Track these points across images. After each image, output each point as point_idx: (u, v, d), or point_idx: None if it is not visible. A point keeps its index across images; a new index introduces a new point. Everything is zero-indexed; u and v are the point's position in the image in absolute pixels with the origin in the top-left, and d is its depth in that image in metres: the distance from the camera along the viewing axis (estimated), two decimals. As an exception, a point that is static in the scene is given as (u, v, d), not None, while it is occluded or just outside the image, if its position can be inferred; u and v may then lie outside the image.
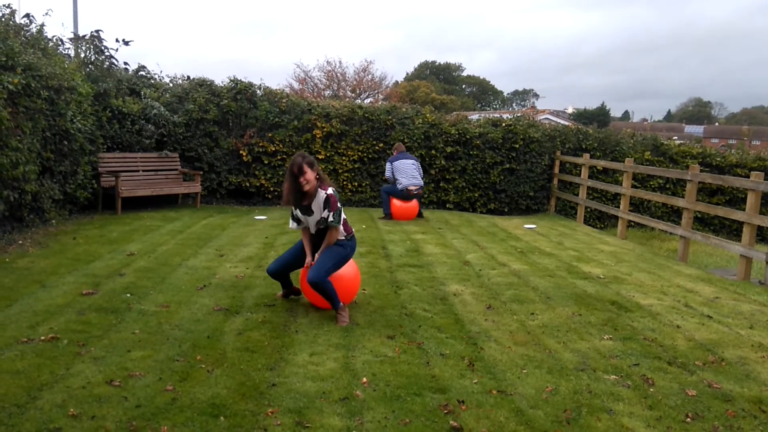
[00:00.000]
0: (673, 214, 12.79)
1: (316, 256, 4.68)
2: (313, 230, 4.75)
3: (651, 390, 3.62)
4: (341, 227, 4.70)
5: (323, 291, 4.50)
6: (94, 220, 8.66)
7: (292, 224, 4.89)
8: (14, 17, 8.22)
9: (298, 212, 4.73)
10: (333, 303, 4.57)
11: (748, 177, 7.81)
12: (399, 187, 9.88)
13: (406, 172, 9.86)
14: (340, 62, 34.82)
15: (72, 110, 8.34)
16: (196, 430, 2.87)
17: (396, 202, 9.94)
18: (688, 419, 3.26)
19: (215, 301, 4.94)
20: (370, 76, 33.76)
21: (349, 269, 4.85)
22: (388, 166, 10.04)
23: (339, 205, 4.64)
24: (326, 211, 4.57)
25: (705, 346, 4.44)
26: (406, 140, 11.98)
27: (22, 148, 6.80)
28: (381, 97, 33.68)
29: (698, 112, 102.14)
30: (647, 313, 5.24)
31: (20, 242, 6.75)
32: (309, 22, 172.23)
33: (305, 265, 4.76)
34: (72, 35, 10.99)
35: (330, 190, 4.59)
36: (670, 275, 6.92)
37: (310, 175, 4.51)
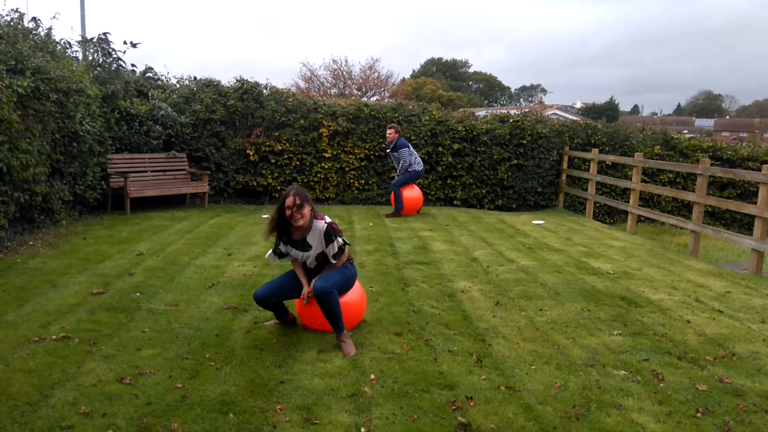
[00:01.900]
0: (684, 209, 12.70)
1: (313, 282, 4.11)
2: (311, 264, 4.19)
3: (661, 385, 3.60)
4: (343, 257, 4.21)
5: (328, 305, 3.95)
6: (103, 221, 8.73)
7: (271, 256, 4.29)
8: (23, 21, 8.29)
9: (288, 248, 4.16)
10: (336, 323, 4.00)
11: (760, 170, 7.74)
12: (419, 168, 9.95)
13: (414, 152, 10.02)
14: (346, 60, 34.80)
15: (81, 112, 8.40)
16: (206, 427, 2.89)
17: (408, 194, 9.93)
18: (699, 414, 3.25)
19: (224, 299, 4.97)
20: (376, 74, 33.79)
21: (355, 292, 4.33)
22: (406, 150, 9.83)
23: (341, 233, 4.18)
24: (331, 244, 4.07)
25: (716, 341, 4.42)
26: (413, 137, 11.97)
27: (32, 150, 6.86)
28: (387, 94, 33.69)
29: (709, 105, 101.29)
30: (657, 308, 5.21)
31: (31, 243, 6.81)
32: (315, 21, 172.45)
33: (301, 297, 4.17)
34: (80, 38, 11.07)
35: (327, 218, 4.13)
36: (680, 270, 6.88)
37: (306, 209, 4.00)
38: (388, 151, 10.22)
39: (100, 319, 4.38)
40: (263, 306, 4.23)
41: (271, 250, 4.29)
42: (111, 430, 2.82)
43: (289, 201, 3.96)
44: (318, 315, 4.11)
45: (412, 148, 9.99)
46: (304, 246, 4.11)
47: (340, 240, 4.10)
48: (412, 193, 10.07)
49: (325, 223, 4.09)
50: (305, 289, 4.15)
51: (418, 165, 9.94)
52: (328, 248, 4.09)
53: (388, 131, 9.98)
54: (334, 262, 4.13)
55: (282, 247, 4.18)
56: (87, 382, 3.32)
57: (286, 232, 4.10)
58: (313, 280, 4.11)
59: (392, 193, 10.03)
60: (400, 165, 9.90)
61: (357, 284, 4.40)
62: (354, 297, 4.30)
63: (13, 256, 6.24)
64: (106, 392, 3.20)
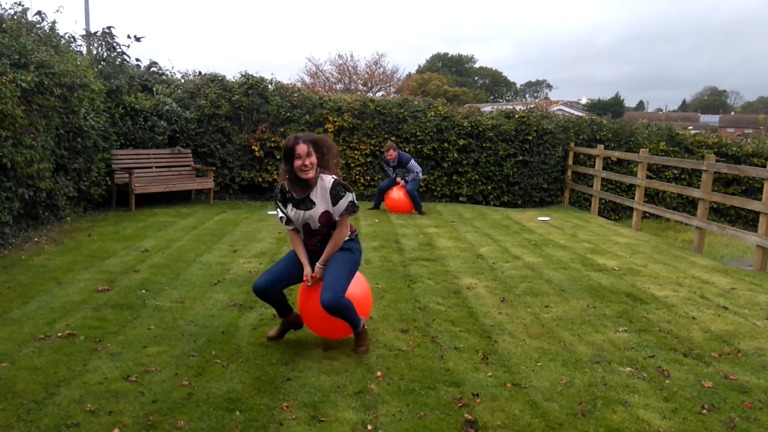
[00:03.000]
0: (689, 205, 12.66)
1: (318, 267, 3.73)
2: (315, 225, 3.70)
3: (667, 382, 3.59)
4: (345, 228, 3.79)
5: (342, 313, 3.60)
6: (108, 217, 8.74)
7: (279, 213, 3.84)
8: (26, 15, 8.29)
9: (289, 208, 3.73)
10: (353, 324, 3.72)
11: (765, 166, 7.70)
12: (422, 176, 10.36)
13: None
14: (351, 56, 34.84)
15: (85, 107, 8.40)
16: (212, 425, 2.90)
17: (401, 196, 9.98)
18: (705, 411, 3.23)
19: (229, 296, 4.97)
20: (381, 69, 33.70)
21: (358, 288, 3.93)
22: (412, 161, 10.02)
23: (352, 196, 3.73)
24: (339, 202, 3.64)
25: (721, 338, 4.40)
26: (418, 133, 11.95)
27: (36, 146, 6.87)
28: (393, 90, 33.61)
29: (714, 101, 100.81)
30: (662, 304, 5.19)
31: (36, 240, 6.83)
32: (320, 16, 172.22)
33: (304, 278, 3.77)
34: (84, 32, 11.07)
35: (333, 175, 3.71)
36: (685, 266, 6.85)
37: (314, 157, 3.58)
38: (390, 168, 10.09)
39: (105, 316, 4.38)
40: (264, 298, 3.78)
41: (278, 209, 3.85)
42: (117, 428, 2.82)
43: (300, 149, 3.51)
44: (324, 321, 3.77)
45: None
46: (308, 204, 3.66)
47: (350, 195, 3.66)
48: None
49: (333, 177, 3.66)
50: (307, 270, 3.74)
51: (421, 169, 10.21)
52: (335, 207, 3.63)
53: (389, 152, 9.90)
54: (343, 215, 3.66)
55: (286, 210, 3.75)
56: (93, 380, 3.32)
57: (294, 182, 3.65)
58: (318, 263, 3.72)
59: (407, 197, 9.98)
60: (411, 176, 9.95)
61: (361, 279, 4.03)
62: (357, 292, 3.85)
63: (17, 252, 6.26)
64: (112, 390, 3.21)
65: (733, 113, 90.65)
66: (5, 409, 2.96)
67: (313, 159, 3.56)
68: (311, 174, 3.57)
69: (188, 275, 5.58)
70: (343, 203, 3.64)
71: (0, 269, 5.56)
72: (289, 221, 3.79)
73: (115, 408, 3.01)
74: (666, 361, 3.92)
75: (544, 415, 3.11)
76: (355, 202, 3.72)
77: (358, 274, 3.97)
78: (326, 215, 3.66)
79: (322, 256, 3.75)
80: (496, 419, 3.05)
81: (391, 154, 9.89)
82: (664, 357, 3.98)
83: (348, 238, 3.82)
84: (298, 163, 3.52)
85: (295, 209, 3.71)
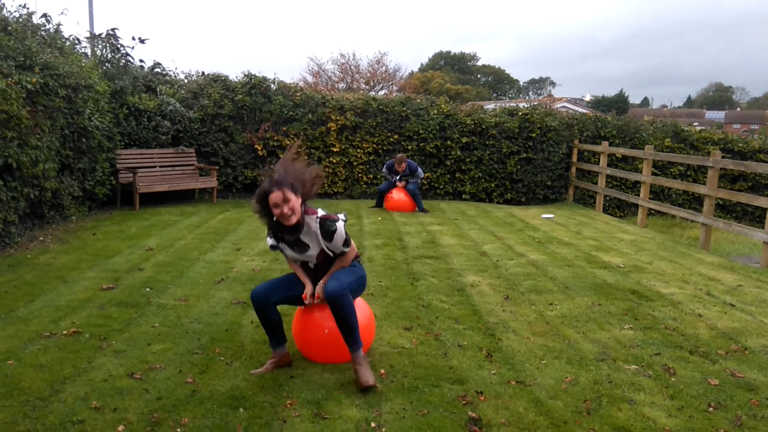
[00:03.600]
0: (695, 202, 12.60)
1: (321, 285, 3.47)
2: (312, 264, 3.51)
3: (672, 379, 3.57)
4: (351, 249, 3.53)
5: (342, 311, 3.28)
6: (112, 216, 8.76)
7: (270, 241, 3.56)
8: (31, 17, 8.32)
9: (283, 246, 3.49)
10: (352, 335, 3.33)
11: (771, 162, 7.65)
12: (423, 176, 10.47)
13: None
14: (353, 54, 34.85)
15: (89, 108, 8.43)
16: (216, 422, 2.90)
17: (401, 197, 10.07)
18: (711, 408, 3.22)
19: (233, 294, 4.97)
20: (383, 68, 33.68)
21: (361, 311, 3.62)
22: (420, 169, 10.20)
23: (341, 218, 3.43)
24: (332, 238, 3.35)
25: (727, 335, 4.38)
26: (421, 131, 11.94)
27: (41, 146, 6.89)
28: (395, 88, 33.58)
29: (719, 97, 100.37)
30: (668, 302, 5.17)
31: (41, 239, 6.85)
32: (322, 15, 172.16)
33: (303, 296, 3.50)
34: (88, 34, 11.10)
35: (320, 212, 3.39)
36: (691, 263, 6.82)
37: (294, 202, 3.23)
38: (398, 177, 10.13)
39: (110, 314, 4.40)
40: (261, 307, 3.44)
41: (268, 239, 3.58)
42: (122, 425, 2.83)
43: (275, 197, 3.20)
44: (322, 344, 3.55)
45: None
46: (301, 246, 3.43)
47: (340, 224, 3.36)
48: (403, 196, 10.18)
49: (317, 217, 3.35)
50: (308, 288, 3.49)
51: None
52: (331, 243, 3.38)
53: (401, 163, 9.97)
54: (345, 250, 3.45)
55: (279, 245, 3.52)
56: (98, 377, 3.33)
57: (280, 229, 3.39)
58: (321, 282, 3.48)
59: (410, 198, 10.08)
60: (414, 180, 10.12)
61: (363, 304, 3.77)
62: (360, 316, 3.53)
63: (23, 251, 6.28)
64: (116, 387, 3.22)
65: (738, 109, 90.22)
66: (11, 406, 2.97)
67: (292, 204, 3.21)
68: (294, 220, 3.25)
69: (192, 273, 5.59)
70: (338, 239, 3.36)
71: (6, 268, 5.58)
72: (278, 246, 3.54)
73: (119, 405, 3.02)
74: (672, 358, 3.90)
75: (549, 413, 3.10)
76: (348, 240, 3.42)
77: (361, 300, 3.75)
78: (323, 253, 3.44)
79: (325, 276, 3.49)
80: (501, 417, 3.04)
81: (403, 166, 10.01)
82: (670, 354, 3.96)
83: (351, 264, 3.57)
84: (276, 212, 3.22)
85: (289, 249, 3.48)
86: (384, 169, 10.39)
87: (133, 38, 10.95)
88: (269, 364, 3.50)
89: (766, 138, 13.72)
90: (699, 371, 3.70)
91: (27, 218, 7.08)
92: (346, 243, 3.43)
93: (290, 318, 3.90)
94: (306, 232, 3.38)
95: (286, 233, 3.39)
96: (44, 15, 8.82)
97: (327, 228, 3.34)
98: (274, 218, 3.30)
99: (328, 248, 3.41)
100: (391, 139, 11.95)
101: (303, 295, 3.49)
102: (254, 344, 3.89)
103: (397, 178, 10.17)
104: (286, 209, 3.20)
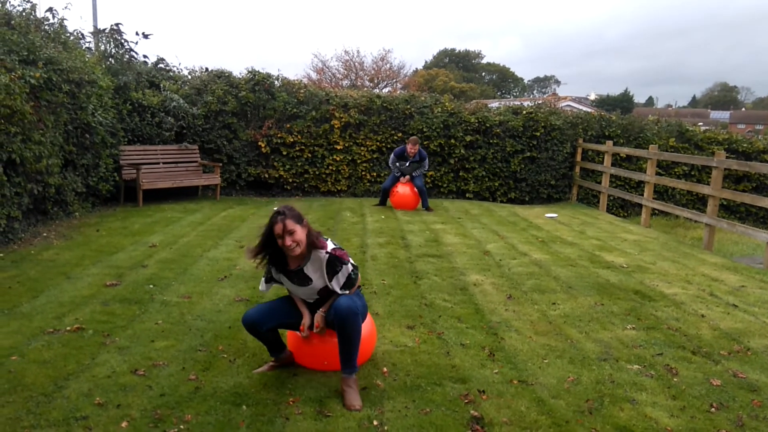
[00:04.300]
0: (698, 202, 12.57)
1: (320, 314, 3.35)
2: (311, 300, 3.42)
3: (675, 380, 3.57)
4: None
5: (350, 332, 3.15)
6: (116, 213, 8.78)
7: (263, 286, 3.49)
8: (35, 12, 8.33)
9: (281, 277, 3.38)
10: (352, 360, 3.19)
11: (776, 163, 7.63)
12: (427, 167, 10.17)
13: None
14: (357, 52, 34.81)
15: (93, 103, 8.44)
16: (219, 419, 2.91)
17: (406, 191, 9.92)
18: (713, 409, 3.21)
19: (236, 291, 4.98)
20: (388, 65, 33.60)
21: (366, 327, 3.49)
22: (427, 159, 10.01)
23: (348, 257, 3.32)
24: (336, 276, 3.24)
25: (730, 336, 4.37)
26: (425, 129, 11.92)
27: (44, 142, 6.90)
28: (399, 86, 33.54)
29: (724, 97, 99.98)
30: (671, 302, 5.16)
31: (45, 235, 6.87)
32: (327, 12, 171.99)
33: (300, 328, 3.37)
34: (93, 29, 11.11)
35: (330, 245, 3.28)
36: (694, 264, 6.81)
37: (300, 234, 3.16)
38: (408, 163, 9.86)
39: (113, 310, 4.41)
40: (254, 333, 3.36)
41: (263, 279, 3.49)
42: (125, 421, 2.84)
43: (277, 229, 3.14)
44: (321, 353, 3.44)
45: None
46: (302, 279, 3.30)
47: (349, 267, 3.28)
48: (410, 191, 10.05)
49: (326, 252, 3.23)
50: (306, 319, 3.35)
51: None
52: (333, 282, 3.25)
53: (415, 145, 9.76)
54: (343, 292, 3.29)
55: (275, 274, 3.40)
56: (101, 374, 3.34)
57: (281, 262, 3.32)
58: (321, 311, 3.36)
59: (415, 193, 9.93)
60: (419, 170, 9.93)
61: (369, 318, 3.62)
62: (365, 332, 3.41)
63: (27, 247, 6.30)
64: (120, 383, 3.23)
65: (743, 109, 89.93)
66: (15, 402, 2.99)
67: (297, 237, 3.14)
68: (298, 251, 3.17)
69: (195, 270, 5.60)
70: (341, 277, 3.24)
71: (10, 264, 5.60)
72: (272, 282, 3.44)
73: (123, 401, 3.03)
74: (674, 358, 3.89)
75: (551, 413, 3.10)
76: (355, 274, 3.30)
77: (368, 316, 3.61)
78: (326, 289, 3.32)
79: (325, 304, 3.36)
80: (503, 416, 3.04)
81: (415, 148, 9.76)
82: (673, 355, 3.96)
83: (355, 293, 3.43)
84: (280, 243, 3.17)
85: (289, 282, 3.36)
86: (391, 157, 9.98)
87: (137, 33, 10.97)
88: (267, 366, 3.48)
89: (771, 138, 13.66)
90: (701, 372, 3.70)
91: (30, 214, 7.10)
92: (346, 286, 3.27)
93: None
94: (311, 265, 3.27)
95: (291, 261, 3.29)
96: (50, 9, 8.84)
97: (333, 266, 3.24)
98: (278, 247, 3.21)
99: (329, 285, 3.28)
100: (395, 137, 11.94)
101: (300, 327, 3.36)
102: (257, 342, 3.88)
103: (406, 164, 9.82)
104: (289, 241, 3.13)
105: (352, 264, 3.30)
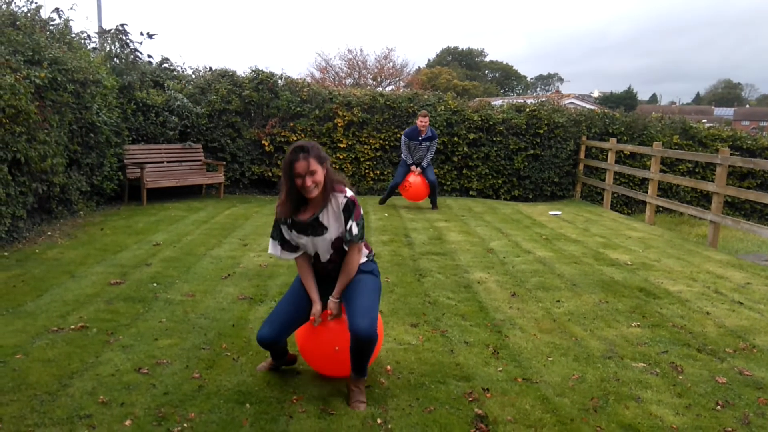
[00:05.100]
0: (703, 199, 12.52)
1: (332, 301, 3.16)
2: (324, 257, 3.16)
3: (680, 377, 3.55)
4: (363, 245, 3.21)
5: (366, 351, 2.99)
6: (120, 211, 8.80)
7: (273, 248, 3.21)
8: (39, 12, 8.35)
9: (293, 233, 3.12)
10: (363, 367, 3.07)
11: (781, 159, 7.59)
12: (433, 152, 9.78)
13: None
14: (360, 50, 34.83)
15: (98, 103, 8.45)
16: (223, 417, 2.91)
17: (417, 181, 9.59)
18: (719, 407, 3.20)
19: (239, 290, 4.98)
20: (391, 64, 33.64)
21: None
22: (436, 140, 9.61)
23: (361, 211, 3.14)
24: (350, 221, 3.05)
25: (736, 333, 4.35)
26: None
27: (49, 141, 6.92)
28: (402, 84, 33.53)
29: (728, 94, 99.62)
30: (676, 299, 5.14)
31: (49, 233, 6.88)
32: (330, 10, 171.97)
33: (311, 318, 3.17)
34: (98, 29, 11.12)
35: (349, 192, 3.07)
36: (699, 261, 6.78)
37: (320, 175, 2.94)
38: (418, 141, 9.42)
39: (117, 309, 4.41)
40: (271, 349, 3.26)
41: (271, 241, 3.22)
42: (129, 420, 2.84)
43: (299, 167, 2.89)
44: (328, 357, 3.23)
45: None
46: (317, 229, 3.06)
47: (353, 224, 3.07)
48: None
49: (345, 197, 3.03)
50: (316, 306, 3.15)
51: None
52: (350, 223, 3.04)
53: (425, 118, 9.32)
54: (351, 238, 3.06)
55: (287, 233, 3.14)
56: (105, 372, 3.34)
57: (299, 202, 3.04)
58: (332, 297, 3.17)
59: (424, 182, 9.53)
60: (427, 155, 9.56)
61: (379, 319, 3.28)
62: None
63: (31, 246, 6.31)
64: (124, 382, 3.23)
65: (747, 106, 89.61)
66: (19, 401, 2.99)
67: (317, 177, 2.92)
68: (315, 193, 2.96)
69: (199, 269, 5.60)
70: (349, 231, 3.05)
71: (14, 263, 5.62)
72: (286, 248, 3.18)
73: (127, 400, 3.03)
74: (679, 356, 3.88)
75: (556, 410, 3.09)
76: (356, 231, 3.07)
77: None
78: (340, 240, 3.09)
79: (336, 287, 3.16)
80: (507, 414, 3.03)
81: (426, 121, 9.33)
82: (678, 352, 3.94)
83: (367, 258, 3.26)
84: (299, 182, 2.93)
85: (301, 236, 3.10)
86: (402, 139, 9.51)
87: (142, 33, 11.05)
88: (267, 363, 3.45)
89: (776, 135, 13.60)
90: (707, 369, 3.68)
91: (35, 213, 7.12)
92: (355, 238, 3.07)
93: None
94: (327, 211, 3.04)
95: (302, 210, 3.06)
96: (56, 9, 8.87)
97: (350, 209, 3.03)
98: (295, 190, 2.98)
99: (342, 233, 3.08)
100: (399, 135, 11.92)
101: (311, 317, 3.16)
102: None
103: (418, 143, 9.39)
104: (309, 182, 2.91)
105: (358, 224, 3.08)
